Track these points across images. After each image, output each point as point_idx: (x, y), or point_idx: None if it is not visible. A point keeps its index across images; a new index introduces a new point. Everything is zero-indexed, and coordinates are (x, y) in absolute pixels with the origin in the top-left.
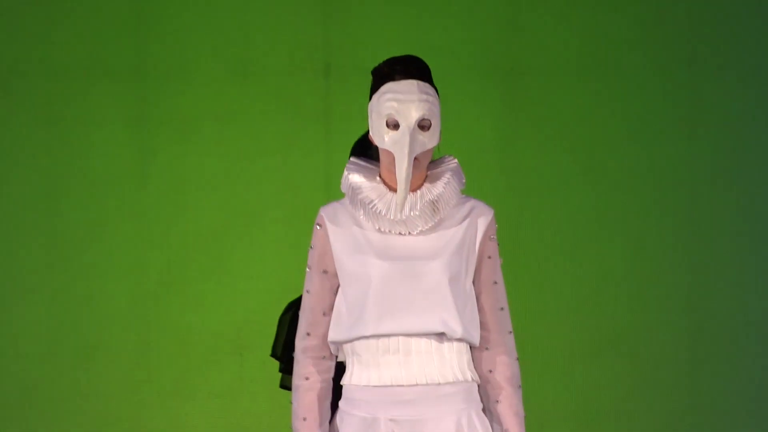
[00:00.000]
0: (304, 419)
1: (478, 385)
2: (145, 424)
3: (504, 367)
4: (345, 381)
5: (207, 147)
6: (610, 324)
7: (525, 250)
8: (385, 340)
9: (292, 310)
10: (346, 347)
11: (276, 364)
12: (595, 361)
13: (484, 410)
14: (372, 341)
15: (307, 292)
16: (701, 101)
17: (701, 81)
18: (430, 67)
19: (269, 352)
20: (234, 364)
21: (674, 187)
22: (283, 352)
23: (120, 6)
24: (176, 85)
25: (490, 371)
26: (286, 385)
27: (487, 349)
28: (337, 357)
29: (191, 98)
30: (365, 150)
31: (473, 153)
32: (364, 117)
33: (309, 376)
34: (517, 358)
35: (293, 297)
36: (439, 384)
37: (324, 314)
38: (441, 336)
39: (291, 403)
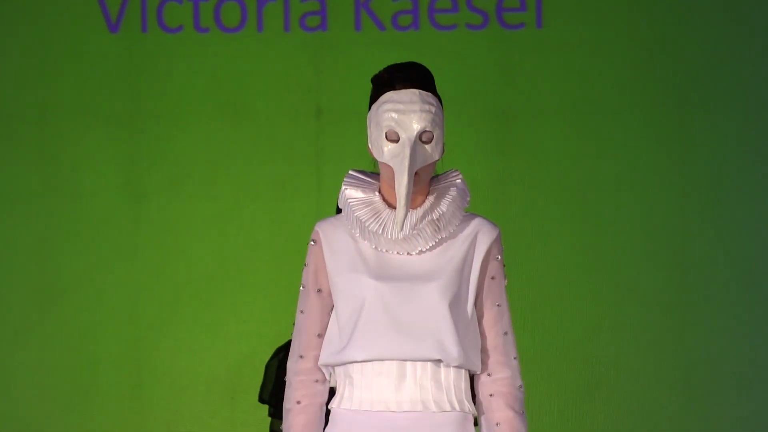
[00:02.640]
0: None
1: (475, 418)
2: None
3: (507, 392)
4: (334, 404)
5: (199, 190)
6: (601, 368)
7: (515, 294)
8: (378, 363)
9: (280, 355)
10: (338, 369)
11: (266, 408)
12: (587, 405)
13: None
14: (365, 365)
15: (301, 312)
16: (691, 145)
17: (691, 125)
18: None
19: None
20: (226, 407)
21: (665, 230)
22: (272, 396)
23: (113, 51)
24: (168, 129)
25: (492, 395)
26: (275, 430)
27: (489, 375)
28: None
29: (183, 142)
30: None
31: None
32: (356, 160)
33: (301, 399)
34: (522, 386)
35: (285, 341)
36: (434, 412)
37: (318, 336)
38: (437, 362)
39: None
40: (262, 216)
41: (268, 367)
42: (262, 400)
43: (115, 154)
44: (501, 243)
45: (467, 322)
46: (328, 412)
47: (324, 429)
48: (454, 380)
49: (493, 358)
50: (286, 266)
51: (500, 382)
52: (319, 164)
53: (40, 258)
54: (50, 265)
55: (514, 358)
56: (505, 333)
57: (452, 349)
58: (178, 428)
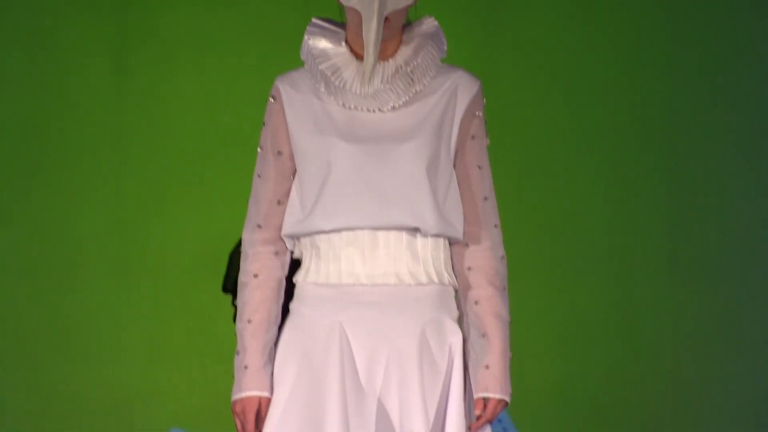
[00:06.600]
0: (249, 321)
1: (456, 290)
2: (127, 344)
3: (486, 265)
4: (299, 278)
5: (186, 69)
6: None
7: (503, 172)
8: (347, 233)
9: None
10: (304, 240)
11: None
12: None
13: (460, 319)
14: (333, 235)
15: (258, 176)
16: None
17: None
18: None
19: None
20: (213, 284)
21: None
22: (236, 286)
23: None
24: (156, 4)
25: (470, 269)
26: None
27: (467, 245)
28: (293, 253)
29: (171, 20)
30: None
31: None
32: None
33: (258, 272)
34: (504, 257)
35: None
36: (409, 285)
37: (279, 203)
38: (414, 231)
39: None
40: (250, 95)
41: (231, 257)
42: (225, 289)
43: (101, 32)
44: (482, 98)
45: (447, 186)
46: (292, 286)
47: (288, 302)
48: (432, 250)
49: (473, 226)
50: None
51: (480, 254)
52: None
53: (23, 138)
54: (35, 144)
55: (495, 226)
56: (485, 198)
57: (429, 217)
58: (165, 304)
